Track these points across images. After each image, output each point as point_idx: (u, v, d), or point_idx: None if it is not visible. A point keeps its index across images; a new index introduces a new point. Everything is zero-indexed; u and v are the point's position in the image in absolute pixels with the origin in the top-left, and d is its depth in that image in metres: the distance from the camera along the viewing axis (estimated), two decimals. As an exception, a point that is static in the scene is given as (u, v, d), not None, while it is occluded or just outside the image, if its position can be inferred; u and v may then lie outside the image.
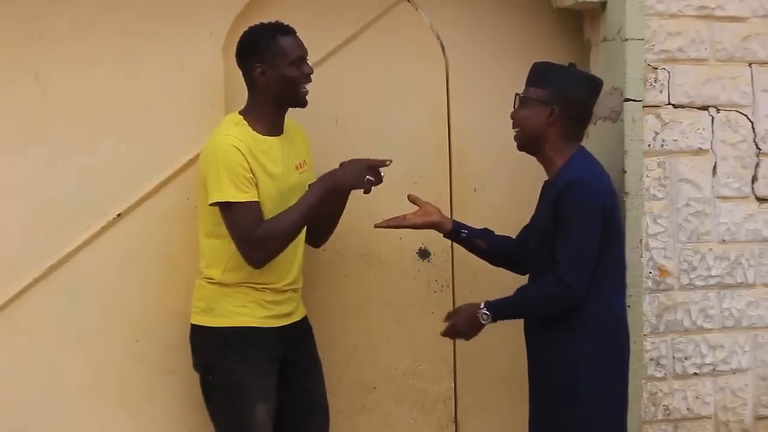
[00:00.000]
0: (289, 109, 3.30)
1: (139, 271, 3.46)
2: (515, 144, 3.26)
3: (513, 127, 3.26)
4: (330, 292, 3.67)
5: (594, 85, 3.27)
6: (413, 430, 3.82)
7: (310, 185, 3.26)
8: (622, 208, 3.58)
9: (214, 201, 3.11)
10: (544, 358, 3.19)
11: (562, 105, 3.15)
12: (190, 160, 3.47)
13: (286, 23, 3.24)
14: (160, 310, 3.46)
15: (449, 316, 3.33)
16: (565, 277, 3.06)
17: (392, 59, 3.73)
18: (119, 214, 3.43)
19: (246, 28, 3.27)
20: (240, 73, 3.26)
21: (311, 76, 3.24)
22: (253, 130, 3.19)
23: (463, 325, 3.26)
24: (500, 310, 3.21)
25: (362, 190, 3.26)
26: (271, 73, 3.19)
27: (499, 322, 3.24)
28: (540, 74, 3.23)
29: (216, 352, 3.22)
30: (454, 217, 3.74)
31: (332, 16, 3.61)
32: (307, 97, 3.25)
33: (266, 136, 3.21)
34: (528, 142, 3.23)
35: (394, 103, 3.73)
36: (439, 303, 3.80)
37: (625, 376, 3.26)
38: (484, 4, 3.83)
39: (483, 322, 3.20)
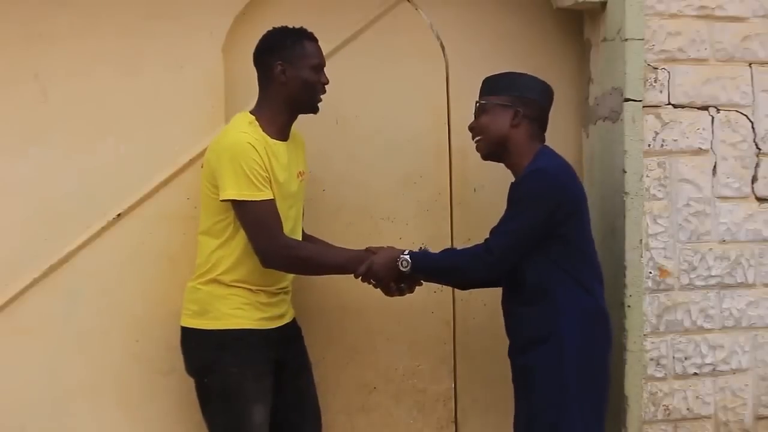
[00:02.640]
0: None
1: (139, 271, 3.46)
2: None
3: (474, 137, 3.28)
4: (330, 292, 3.66)
5: (547, 89, 3.29)
6: (413, 430, 3.82)
7: (350, 257, 3.27)
8: (622, 208, 3.59)
9: (229, 197, 3.10)
10: (524, 351, 3.17)
11: (524, 107, 3.18)
12: (190, 160, 3.48)
13: (310, 31, 3.26)
14: (159, 310, 3.46)
15: (372, 252, 3.28)
16: (492, 244, 3.10)
17: (392, 59, 3.73)
18: (119, 214, 3.43)
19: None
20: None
21: (326, 87, 3.26)
22: (263, 132, 3.19)
23: (380, 264, 3.22)
24: (422, 261, 3.22)
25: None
26: (291, 73, 3.19)
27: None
28: (497, 83, 3.25)
29: (212, 355, 3.20)
30: (454, 217, 3.77)
31: (332, 16, 3.61)
32: (319, 104, 3.27)
33: (275, 140, 3.21)
34: (493, 148, 3.24)
35: (394, 103, 3.73)
36: (439, 303, 3.80)
37: (605, 360, 3.23)
38: (484, 4, 3.83)
39: (402, 268, 3.19)
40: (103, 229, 3.42)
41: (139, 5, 3.43)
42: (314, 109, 3.28)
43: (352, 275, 3.26)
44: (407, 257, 3.20)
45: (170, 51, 3.46)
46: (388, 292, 3.30)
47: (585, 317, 3.13)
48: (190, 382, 3.29)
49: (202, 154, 3.48)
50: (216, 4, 3.49)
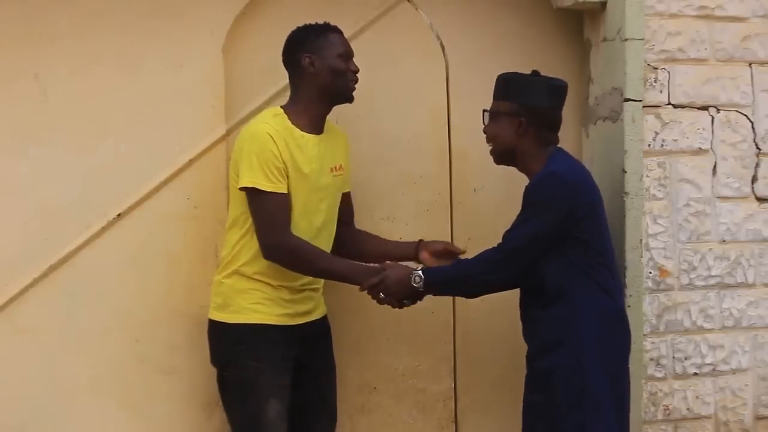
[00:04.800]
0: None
1: (139, 270, 3.45)
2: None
3: (487, 142, 3.30)
4: (330, 292, 3.65)
5: (557, 91, 3.28)
6: (413, 430, 3.82)
7: (357, 268, 3.29)
8: (622, 208, 3.59)
9: (243, 185, 3.12)
10: (543, 354, 3.17)
11: (529, 115, 3.18)
12: (190, 160, 3.48)
13: (334, 24, 3.29)
14: (160, 309, 3.46)
15: (383, 268, 3.27)
16: (502, 248, 3.12)
17: (392, 59, 3.73)
18: (119, 214, 3.43)
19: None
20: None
21: (357, 75, 3.28)
22: (292, 123, 3.20)
23: (394, 280, 3.22)
24: (434, 275, 3.23)
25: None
26: (320, 63, 3.21)
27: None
28: (504, 87, 3.26)
29: (231, 349, 3.22)
30: (454, 217, 3.77)
31: (332, 17, 3.59)
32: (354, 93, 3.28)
33: (304, 132, 3.22)
34: (503, 155, 3.27)
35: (394, 104, 3.73)
36: (439, 303, 3.79)
37: (625, 361, 3.25)
38: (484, 4, 3.83)
39: (414, 285, 3.20)
40: (103, 229, 3.42)
41: (139, 4, 3.43)
42: (348, 99, 3.29)
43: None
44: (419, 273, 3.21)
45: (170, 50, 3.46)
46: (395, 306, 3.31)
47: (603, 318, 3.14)
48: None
49: (202, 154, 3.49)
50: (216, 4, 3.49)
